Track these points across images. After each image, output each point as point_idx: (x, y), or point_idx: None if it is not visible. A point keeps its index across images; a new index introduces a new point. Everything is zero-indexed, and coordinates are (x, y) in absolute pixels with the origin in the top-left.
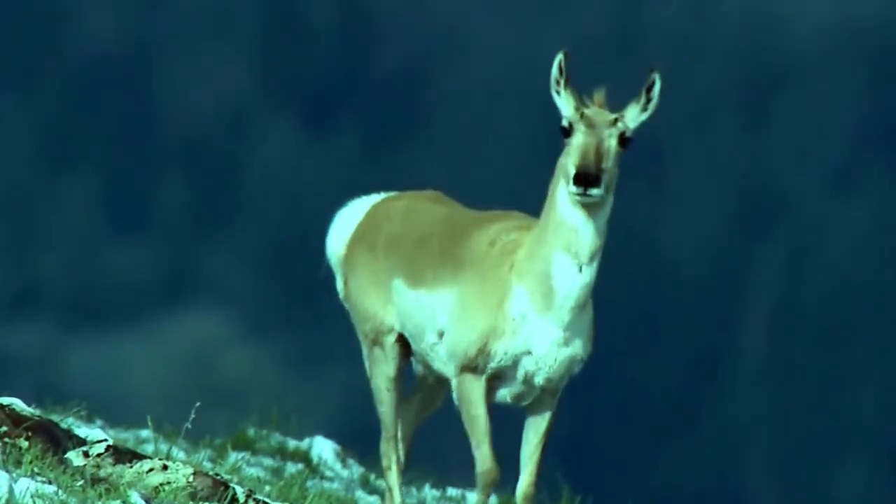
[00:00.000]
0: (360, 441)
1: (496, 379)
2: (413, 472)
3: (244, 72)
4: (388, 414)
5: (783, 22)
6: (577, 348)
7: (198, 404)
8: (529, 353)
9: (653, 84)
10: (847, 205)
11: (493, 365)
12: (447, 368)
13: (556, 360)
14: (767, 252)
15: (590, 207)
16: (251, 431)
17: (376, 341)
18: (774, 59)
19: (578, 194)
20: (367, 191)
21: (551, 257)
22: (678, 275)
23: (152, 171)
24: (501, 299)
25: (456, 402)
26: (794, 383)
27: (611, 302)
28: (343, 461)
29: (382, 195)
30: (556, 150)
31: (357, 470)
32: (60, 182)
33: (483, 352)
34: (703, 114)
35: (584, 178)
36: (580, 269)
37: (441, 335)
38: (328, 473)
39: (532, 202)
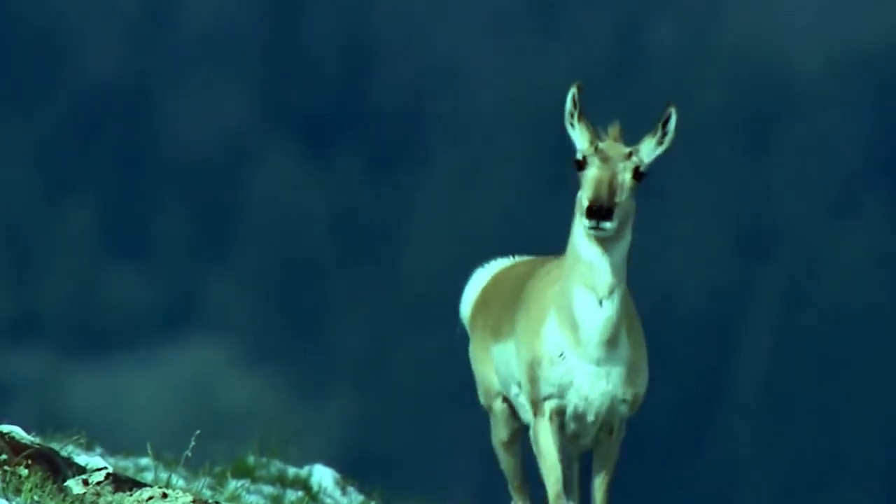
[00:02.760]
0: (359, 469)
1: (558, 418)
2: (408, 502)
3: (244, 100)
4: (508, 470)
5: (784, 50)
6: (617, 386)
7: (198, 432)
8: (572, 384)
9: (669, 118)
10: (846, 233)
11: (544, 395)
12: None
13: (596, 395)
14: (767, 280)
15: (604, 241)
16: (251, 459)
17: (489, 406)
18: (775, 88)
19: (591, 227)
20: (367, 220)
21: (572, 292)
22: (678, 303)
23: (152, 198)
24: (539, 327)
25: (533, 448)
26: (794, 412)
27: None
28: (343, 489)
29: (515, 259)
30: (556, 178)
31: (356, 498)
32: (61, 209)
33: (533, 380)
34: (703, 141)
35: (597, 212)
36: (600, 304)
37: (520, 384)
38: (328, 501)
39: (532, 229)
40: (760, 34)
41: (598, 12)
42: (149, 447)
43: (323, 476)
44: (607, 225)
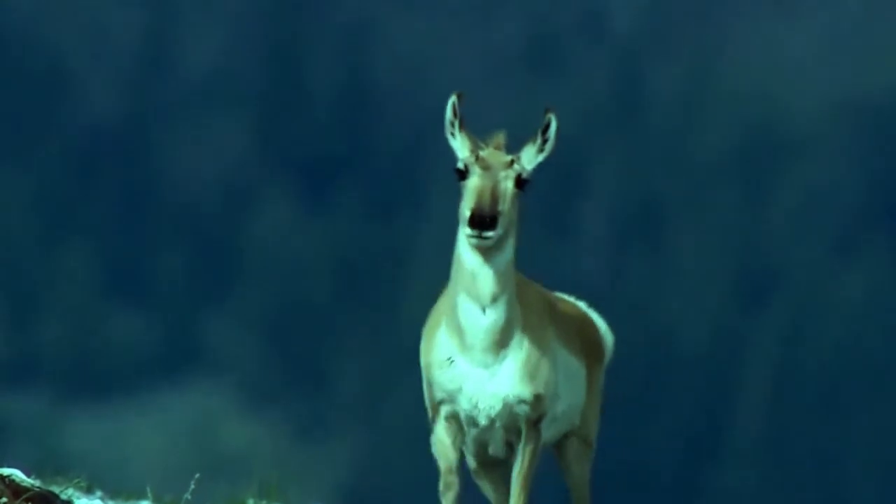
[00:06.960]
0: None
1: (454, 422)
2: None
3: (244, 143)
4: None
5: (784, 94)
6: (512, 388)
7: (197, 475)
8: (461, 389)
9: (548, 125)
10: (846, 276)
11: (437, 399)
12: None
13: (484, 398)
14: (767, 323)
15: (487, 251)
16: (251, 501)
17: None
18: (775, 131)
19: (473, 237)
20: (366, 263)
21: (457, 299)
22: (677, 347)
23: (152, 241)
24: (433, 333)
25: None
26: (794, 454)
27: (608, 374)
28: None
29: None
30: (556, 220)
31: None
32: (61, 252)
33: (428, 384)
34: (703, 186)
35: (479, 221)
36: (483, 311)
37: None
38: None
39: (531, 270)
40: (761, 78)
41: (599, 55)
42: (149, 490)
43: None
44: (490, 234)
